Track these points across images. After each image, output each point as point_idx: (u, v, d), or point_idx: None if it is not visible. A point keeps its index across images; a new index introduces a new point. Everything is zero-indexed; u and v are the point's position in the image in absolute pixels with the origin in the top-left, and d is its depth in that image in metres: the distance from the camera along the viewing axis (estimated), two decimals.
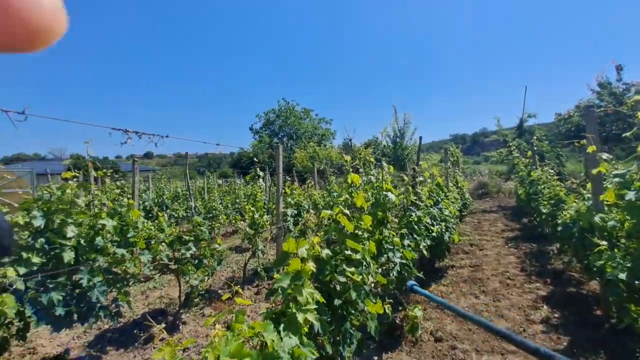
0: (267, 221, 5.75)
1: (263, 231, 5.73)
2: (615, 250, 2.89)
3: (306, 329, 1.60)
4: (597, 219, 3.31)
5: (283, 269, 1.77)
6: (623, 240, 2.98)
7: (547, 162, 9.01)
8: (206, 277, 4.14)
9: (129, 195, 8.17)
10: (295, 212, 6.54)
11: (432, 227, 4.70)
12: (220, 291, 5.05)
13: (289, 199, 6.60)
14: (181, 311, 4.08)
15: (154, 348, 3.37)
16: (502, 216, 10.60)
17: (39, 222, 2.66)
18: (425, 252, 4.19)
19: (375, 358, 3.00)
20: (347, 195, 2.69)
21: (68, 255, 2.76)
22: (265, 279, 5.37)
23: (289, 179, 13.79)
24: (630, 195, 2.67)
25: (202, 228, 4.22)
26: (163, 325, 3.31)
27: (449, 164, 8.37)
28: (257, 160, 5.90)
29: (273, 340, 1.29)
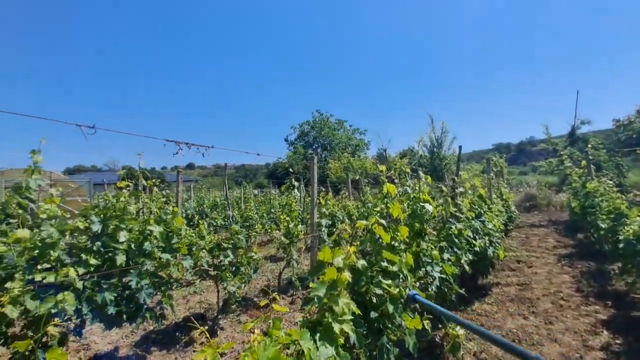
0: (301, 231, 5.80)
1: (297, 241, 5.78)
2: None
3: (342, 340, 1.57)
4: None
5: (319, 278, 1.77)
6: None
7: (604, 173, 8.22)
8: (243, 285, 4.24)
9: (173, 204, 8.70)
10: (330, 222, 6.53)
11: (474, 241, 4.45)
12: (255, 299, 5.14)
13: (323, 210, 6.62)
14: (219, 317, 4.20)
15: (194, 351, 3.49)
16: (554, 231, 9.78)
17: (96, 227, 2.91)
18: (466, 267, 3.97)
19: None
20: (382, 206, 2.65)
21: (120, 258, 2.98)
22: (300, 288, 5.38)
23: (323, 189, 13.87)
24: None
25: (239, 236, 4.36)
26: (205, 328, 3.42)
27: (492, 174, 7.94)
28: (292, 171, 6.02)
29: (310, 349, 1.28)
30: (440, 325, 3.35)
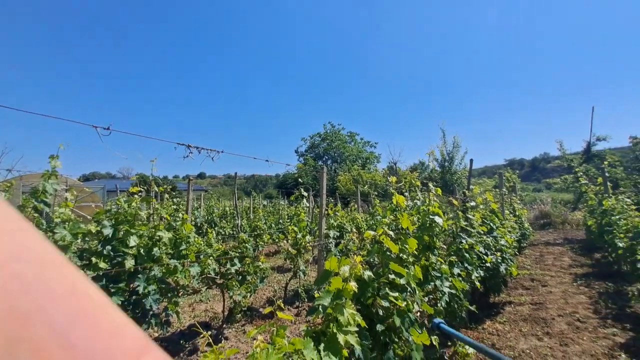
0: (309, 242, 5.77)
1: (305, 252, 5.75)
2: None
3: (346, 353, 1.54)
4: None
5: (324, 288, 1.75)
6: None
7: (622, 191, 7.98)
8: (249, 294, 4.22)
9: (183, 211, 8.80)
10: (338, 234, 6.48)
11: (485, 257, 4.35)
12: (261, 309, 5.09)
13: (332, 221, 6.59)
14: (224, 326, 4.17)
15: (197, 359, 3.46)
16: (569, 249, 9.46)
17: (107, 231, 2.96)
18: (477, 283, 3.87)
19: None
20: (392, 217, 2.62)
21: (129, 263, 3.01)
22: (306, 300, 5.32)
23: (332, 201, 13.84)
24: None
25: (247, 245, 4.36)
26: (208, 335, 3.39)
27: (504, 189, 7.79)
28: (301, 182, 6.04)
29: (313, 359, 1.26)
30: (449, 343, 3.24)
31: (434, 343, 2.27)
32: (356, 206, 11.25)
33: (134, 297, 3.08)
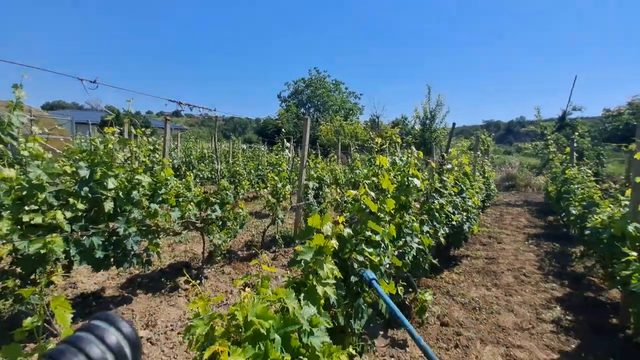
0: (288, 191, 5.89)
1: (283, 200, 5.89)
2: None
3: (322, 301, 1.70)
4: (631, 228, 3.18)
5: (306, 243, 1.86)
6: None
7: (585, 162, 8.53)
8: (229, 238, 4.37)
9: (160, 152, 8.53)
10: (317, 185, 6.63)
11: (452, 216, 4.67)
12: (239, 252, 5.33)
13: (312, 172, 6.68)
14: (204, 266, 4.38)
15: (178, 296, 3.68)
16: (527, 211, 10.29)
17: (84, 173, 2.88)
18: (442, 239, 4.21)
19: (382, 332, 3.14)
20: (374, 178, 2.71)
21: (108, 205, 2.99)
22: (282, 245, 5.59)
23: (313, 152, 13.85)
24: None
25: (227, 192, 4.40)
26: (185, 278, 3.53)
27: (478, 152, 8.09)
28: (283, 131, 5.95)
29: (294, 307, 1.39)
30: (411, 290, 3.61)
31: (399, 292, 2.53)
32: (336, 157, 11.37)
33: (114, 237, 3.12)
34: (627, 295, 2.98)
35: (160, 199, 3.67)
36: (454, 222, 4.72)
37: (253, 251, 5.41)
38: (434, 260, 3.91)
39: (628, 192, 3.77)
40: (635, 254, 2.89)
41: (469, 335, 3.15)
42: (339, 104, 34.91)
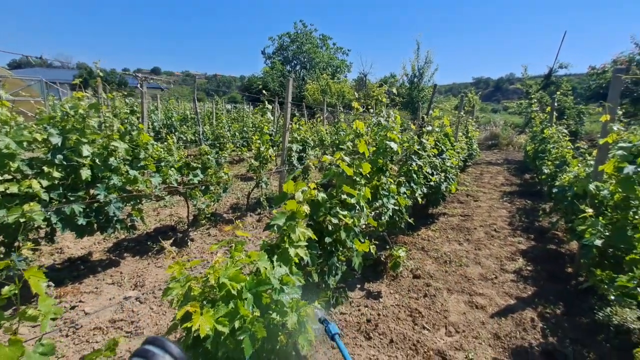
0: (272, 154, 5.90)
1: (268, 163, 5.93)
2: (600, 218, 3.03)
3: (297, 260, 1.83)
4: (592, 187, 3.38)
5: (281, 207, 1.95)
6: (610, 211, 3.10)
7: (563, 121, 8.71)
8: (212, 203, 4.45)
9: (138, 115, 8.23)
10: (301, 147, 6.64)
11: (431, 177, 4.83)
12: (225, 215, 5.45)
13: (295, 135, 6.65)
14: (189, 229, 4.49)
15: (165, 258, 3.82)
16: (506, 170, 10.64)
17: (55, 140, 2.82)
18: (420, 199, 4.39)
19: (359, 286, 3.40)
20: (350, 143, 2.76)
21: (85, 173, 2.98)
22: (267, 208, 5.73)
23: (299, 113, 13.59)
24: (629, 169, 2.70)
25: (209, 157, 4.39)
26: (171, 241, 3.66)
27: (462, 112, 8.14)
28: (265, 93, 5.80)
29: (266, 268, 1.51)
30: (387, 247, 3.85)
31: (371, 250, 2.71)
32: (322, 118, 11.24)
33: (95, 204, 3.15)
34: (581, 248, 3.27)
35: (140, 164, 3.65)
36: (432, 183, 4.90)
37: (238, 213, 5.54)
38: (409, 220, 4.12)
39: (594, 152, 3.95)
40: (591, 210, 3.12)
41: (437, 285, 3.45)
42: (326, 61, 33.58)
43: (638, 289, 2.46)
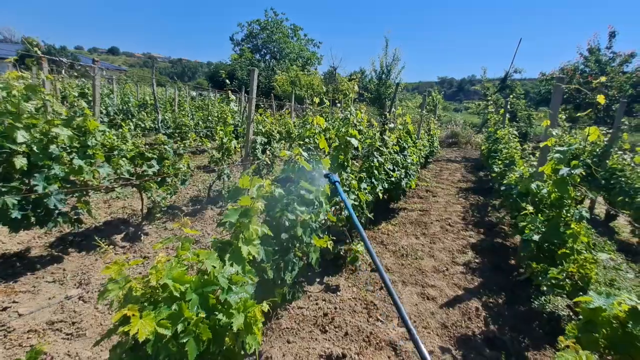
0: (236, 146, 5.75)
1: (231, 155, 5.77)
2: (539, 215, 3.30)
3: (251, 257, 1.80)
4: (533, 186, 3.67)
5: (234, 204, 1.91)
6: (547, 208, 3.39)
7: (514, 123, 9.34)
8: (169, 195, 4.26)
9: (90, 98, 7.59)
10: (265, 140, 6.53)
11: (392, 172, 4.97)
12: (184, 208, 5.25)
13: (260, 127, 6.52)
14: (143, 223, 4.27)
15: (115, 254, 3.60)
16: (464, 167, 11.23)
17: None
18: (380, 195, 4.51)
19: (318, 280, 3.44)
20: (309, 139, 2.75)
21: (20, 162, 2.71)
22: (229, 201, 5.58)
23: (266, 104, 13.31)
24: (564, 171, 2.96)
25: (166, 147, 4.18)
26: (122, 235, 3.46)
27: (424, 110, 8.43)
28: (228, 83, 5.61)
29: (214, 267, 1.47)
30: (347, 242, 3.92)
31: (328, 246, 2.74)
32: (290, 110, 11.12)
33: (33, 196, 2.88)
34: (522, 242, 3.55)
35: (88, 152, 3.38)
36: (393, 179, 5.04)
37: (198, 206, 5.36)
38: (370, 215, 4.22)
39: (538, 154, 4.27)
40: (532, 208, 3.39)
41: (393, 278, 3.58)
42: (297, 52, 33.14)
43: (567, 280, 2.73)
